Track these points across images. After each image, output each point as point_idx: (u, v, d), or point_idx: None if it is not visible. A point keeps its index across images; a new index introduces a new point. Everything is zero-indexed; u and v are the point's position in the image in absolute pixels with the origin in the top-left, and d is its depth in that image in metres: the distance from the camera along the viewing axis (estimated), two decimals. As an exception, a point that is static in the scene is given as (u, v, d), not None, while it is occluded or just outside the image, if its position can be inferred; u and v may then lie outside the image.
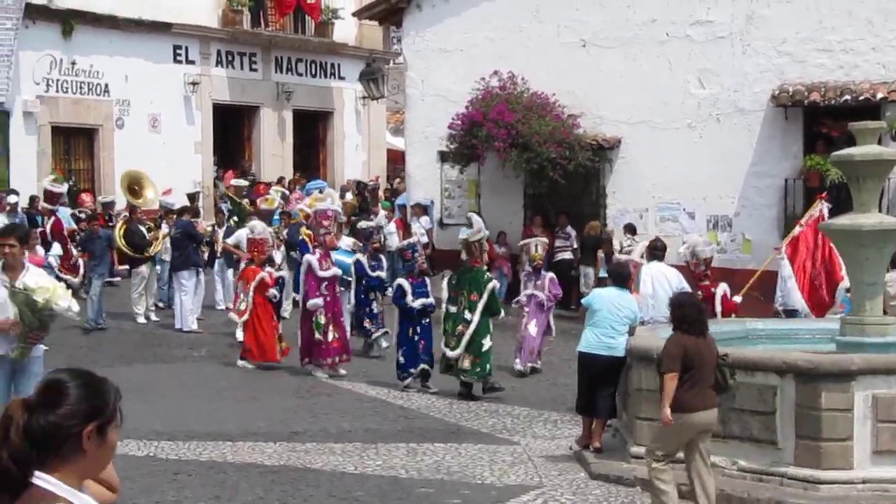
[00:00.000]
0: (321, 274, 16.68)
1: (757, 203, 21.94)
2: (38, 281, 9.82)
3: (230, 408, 14.42)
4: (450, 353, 15.43)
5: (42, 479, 3.36)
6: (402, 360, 15.94)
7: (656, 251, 15.78)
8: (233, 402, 14.83)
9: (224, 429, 13.02)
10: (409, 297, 15.92)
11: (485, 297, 15.47)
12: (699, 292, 14.25)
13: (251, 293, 17.12)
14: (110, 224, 23.12)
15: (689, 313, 9.76)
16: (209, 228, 23.28)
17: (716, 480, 9.98)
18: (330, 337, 16.61)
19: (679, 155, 22.47)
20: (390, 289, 16.91)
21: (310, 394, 15.40)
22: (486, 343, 15.44)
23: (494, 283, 16.10)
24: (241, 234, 19.86)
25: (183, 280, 19.84)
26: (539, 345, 17.55)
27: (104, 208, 24.19)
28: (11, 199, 22.13)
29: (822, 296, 15.74)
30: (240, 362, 17.19)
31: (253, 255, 17.67)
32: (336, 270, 17.04)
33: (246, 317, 17.10)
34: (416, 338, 15.86)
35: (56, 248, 20.45)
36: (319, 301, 16.56)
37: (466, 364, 15.39)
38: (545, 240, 19.67)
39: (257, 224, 18.80)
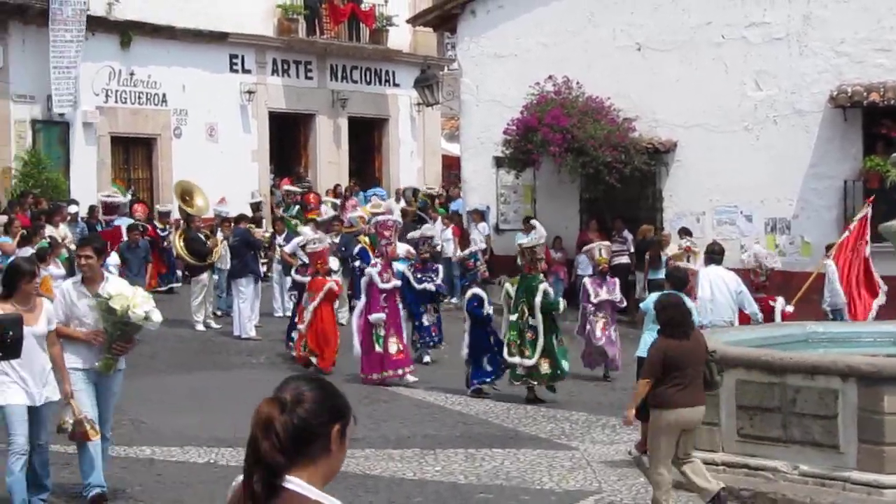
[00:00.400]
0: (382, 286, 16.70)
1: (816, 205, 21.75)
2: (118, 289, 9.65)
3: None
4: (527, 362, 15.38)
5: (293, 483, 3.27)
6: (486, 367, 15.93)
7: (714, 255, 15.67)
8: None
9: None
10: (487, 307, 15.94)
11: (538, 298, 15.44)
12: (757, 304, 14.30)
13: (317, 303, 17.22)
14: (162, 234, 23.38)
15: (673, 316, 9.97)
16: (266, 235, 23.44)
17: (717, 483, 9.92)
18: (392, 349, 16.57)
19: (736, 157, 22.31)
20: (456, 298, 16.78)
21: (368, 400, 15.43)
22: (556, 343, 15.48)
23: (545, 284, 16.04)
24: (297, 242, 19.91)
25: (241, 287, 19.94)
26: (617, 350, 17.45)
27: (161, 217, 24.42)
28: (72, 209, 22.40)
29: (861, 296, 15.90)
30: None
31: (316, 266, 17.71)
32: (396, 282, 17.02)
33: (302, 326, 17.19)
34: (495, 346, 15.88)
35: (114, 258, 20.49)
36: (382, 315, 16.52)
37: (546, 368, 15.39)
38: (608, 243, 19.50)
39: (308, 232, 18.89)
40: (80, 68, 25.55)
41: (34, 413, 9.30)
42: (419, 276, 18.28)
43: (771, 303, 15.23)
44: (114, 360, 9.77)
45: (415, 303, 18.14)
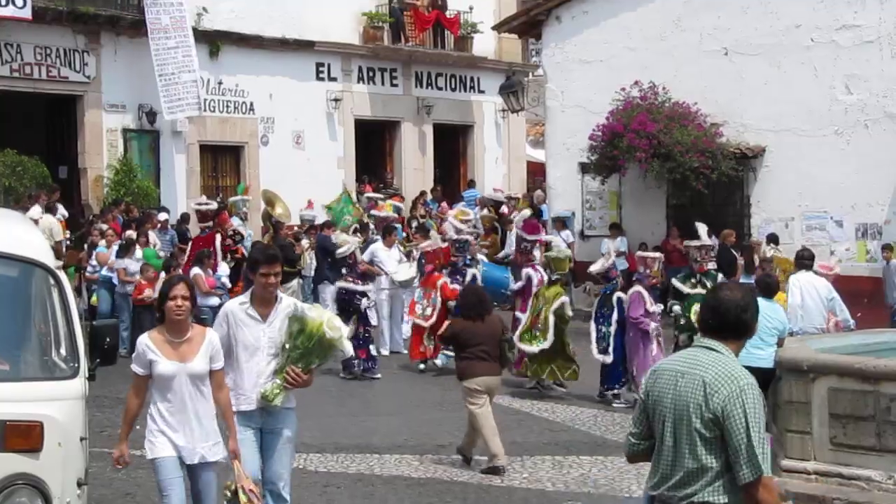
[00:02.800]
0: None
1: (908, 210, 21.41)
2: (306, 309, 8.16)
3: (376, 421, 14.57)
4: None
5: None
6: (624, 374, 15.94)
7: (804, 260, 15.51)
8: (378, 415, 14.98)
9: (370, 441, 13.16)
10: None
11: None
12: None
13: (438, 298, 17.35)
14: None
15: (470, 301, 12.19)
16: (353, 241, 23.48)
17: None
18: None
19: (826, 162, 22.02)
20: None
21: (454, 407, 15.40)
22: None
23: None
24: (375, 249, 19.81)
25: (320, 293, 20.15)
26: None
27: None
28: (162, 216, 22.65)
29: None
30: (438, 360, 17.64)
31: (434, 263, 17.78)
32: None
33: (433, 320, 17.26)
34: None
35: (224, 268, 20.13)
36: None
37: None
38: (659, 255, 18.22)
39: (346, 238, 18.97)
40: (197, 73, 25.85)
41: (192, 474, 7.72)
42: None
43: None
44: (284, 390, 8.02)
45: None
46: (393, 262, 19.32)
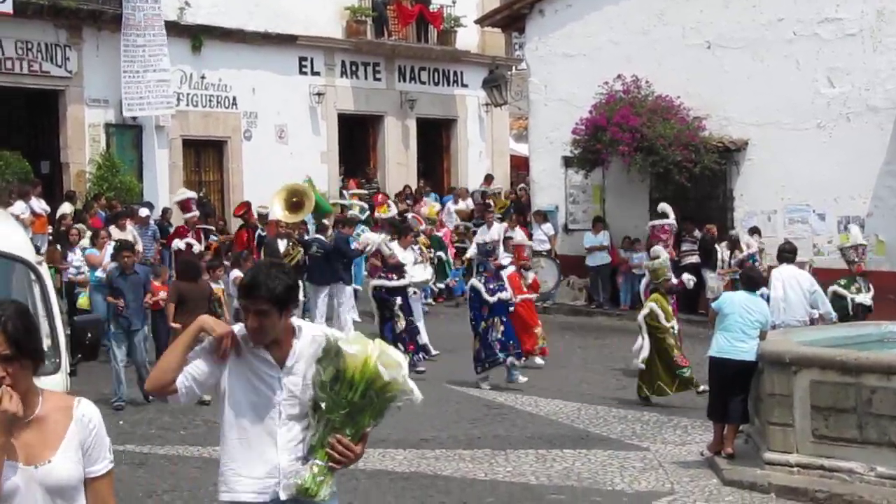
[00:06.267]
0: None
1: (891, 203, 21.45)
2: (342, 342, 5.24)
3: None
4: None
5: None
6: None
7: (786, 254, 15.54)
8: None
9: (354, 435, 13.11)
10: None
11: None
12: None
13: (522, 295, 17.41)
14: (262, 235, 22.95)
15: (186, 266, 15.83)
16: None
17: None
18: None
19: (808, 155, 22.06)
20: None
21: (438, 401, 15.46)
22: None
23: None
24: (370, 238, 19.74)
25: (339, 296, 20.00)
26: None
27: (260, 219, 23.87)
28: (143, 211, 22.50)
29: None
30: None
31: (520, 259, 17.83)
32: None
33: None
34: None
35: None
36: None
37: None
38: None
39: (373, 236, 18.90)
40: (169, 72, 25.88)
41: None
42: (492, 286, 16.40)
43: None
44: (330, 474, 5.24)
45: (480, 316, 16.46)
46: (409, 262, 18.71)
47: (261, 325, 5.21)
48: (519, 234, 21.63)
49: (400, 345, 16.05)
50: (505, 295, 16.33)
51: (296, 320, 5.43)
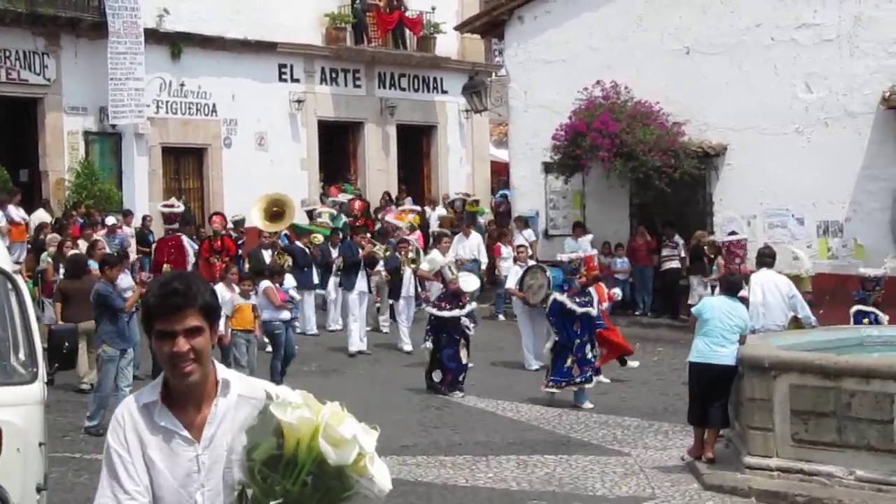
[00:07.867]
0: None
1: (869, 208, 21.54)
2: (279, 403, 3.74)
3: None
4: None
5: None
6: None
7: (765, 258, 15.57)
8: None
9: (335, 443, 13.09)
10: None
11: None
12: None
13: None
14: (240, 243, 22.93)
15: (69, 266, 16.28)
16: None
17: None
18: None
19: (787, 160, 22.14)
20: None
21: (419, 407, 15.46)
22: None
23: None
24: (435, 260, 19.93)
25: (346, 298, 20.33)
26: None
27: (236, 226, 23.83)
28: (109, 220, 22.32)
29: None
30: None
31: (590, 270, 17.51)
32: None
33: None
34: None
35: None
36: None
37: None
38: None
39: (438, 256, 19.01)
40: (145, 80, 25.78)
41: None
42: (577, 299, 15.99)
43: None
44: None
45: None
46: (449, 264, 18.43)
47: (194, 349, 3.83)
48: (521, 237, 21.76)
49: (440, 371, 16.32)
50: (594, 312, 16.02)
51: (223, 370, 4.03)
